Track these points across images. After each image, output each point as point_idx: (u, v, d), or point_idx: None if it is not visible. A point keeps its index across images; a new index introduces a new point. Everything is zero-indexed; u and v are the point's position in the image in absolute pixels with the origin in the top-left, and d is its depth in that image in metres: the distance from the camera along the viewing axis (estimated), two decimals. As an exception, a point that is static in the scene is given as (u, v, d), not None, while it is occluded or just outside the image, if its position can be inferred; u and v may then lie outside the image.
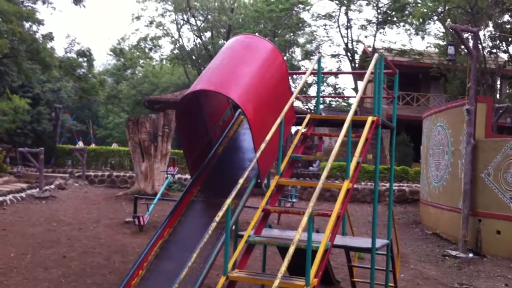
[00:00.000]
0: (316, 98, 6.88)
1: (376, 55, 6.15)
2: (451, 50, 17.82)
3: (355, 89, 33.92)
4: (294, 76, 30.65)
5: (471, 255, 10.98)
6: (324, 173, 4.67)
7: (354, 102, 5.76)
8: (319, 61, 6.78)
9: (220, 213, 4.42)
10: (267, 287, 7.07)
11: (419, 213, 16.14)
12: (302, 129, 6.22)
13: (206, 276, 4.74)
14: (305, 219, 4.18)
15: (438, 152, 13.78)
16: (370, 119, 5.88)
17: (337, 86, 38.76)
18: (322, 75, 6.93)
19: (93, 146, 30.80)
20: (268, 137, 5.25)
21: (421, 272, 9.45)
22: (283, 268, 3.87)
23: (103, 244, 10.23)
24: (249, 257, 5.11)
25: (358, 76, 33.51)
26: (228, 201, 4.51)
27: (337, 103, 39.41)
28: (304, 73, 6.92)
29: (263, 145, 5.18)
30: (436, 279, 9.06)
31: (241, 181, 4.79)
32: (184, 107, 5.94)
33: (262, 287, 7.25)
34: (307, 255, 4.21)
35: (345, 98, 38.18)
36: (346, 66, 36.01)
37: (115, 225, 12.30)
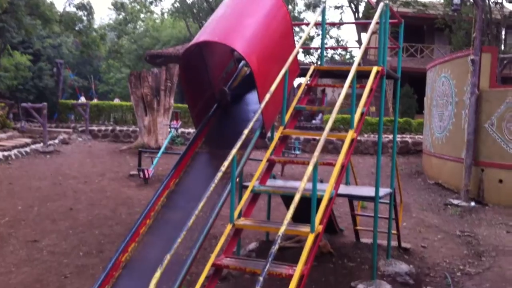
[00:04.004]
0: (320, 50, 6.82)
1: (381, 4, 6.06)
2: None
3: (359, 41, 33.58)
4: (296, 29, 30.30)
5: (473, 203, 11.12)
6: (329, 123, 4.68)
7: (358, 53, 5.71)
8: (323, 12, 6.69)
9: (226, 163, 4.46)
10: (272, 235, 7.24)
11: (421, 164, 16.25)
12: (306, 80, 6.20)
13: (212, 224, 4.81)
14: (310, 168, 4.22)
15: (441, 103, 13.75)
16: (375, 69, 5.85)
17: (339, 39, 38.36)
18: (326, 26, 6.85)
19: (95, 101, 30.76)
20: (272, 88, 5.24)
21: (423, 220, 9.59)
22: (289, 215, 3.94)
23: (109, 196, 10.37)
24: (254, 206, 5.18)
25: (361, 28, 33.15)
26: (234, 151, 4.54)
27: (340, 56, 39.09)
28: (307, 24, 6.85)
29: (267, 96, 5.17)
30: (437, 227, 9.20)
31: (246, 131, 4.80)
32: (188, 59, 5.90)
33: (267, 235, 7.42)
34: (312, 202, 4.27)
35: (349, 50, 37.76)
36: (349, 17, 35.54)
37: (120, 178, 12.43)
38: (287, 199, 6.94)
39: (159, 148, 14.65)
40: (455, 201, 11.22)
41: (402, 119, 22.13)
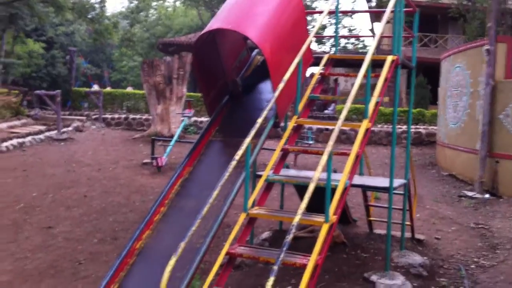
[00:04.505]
0: (334, 39, 6.77)
1: (397, -8, 6.00)
2: (472, -12, 17.33)
3: (372, 31, 33.33)
4: (308, 18, 30.04)
5: (487, 195, 11.03)
6: (343, 113, 4.65)
7: (373, 41, 5.66)
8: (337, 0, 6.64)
9: (240, 152, 4.45)
10: (285, 224, 7.24)
11: (435, 155, 16.14)
12: (320, 69, 6.16)
13: (226, 213, 4.82)
14: (324, 158, 4.20)
15: (456, 93, 13.62)
16: (389, 58, 5.80)
17: (352, 28, 38.05)
18: (339, 14, 6.80)
19: (108, 89, 30.85)
20: (286, 77, 5.21)
21: (437, 212, 9.53)
22: (303, 205, 3.92)
23: (122, 184, 10.42)
24: (268, 195, 5.17)
25: (374, 17, 32.86)
26: (248, 139, 4.53)
27: (353, 45, 38.78)
28: (321, 12, 6.79)
29: (281, 85, 5.15)
30: (452, 218, 9.15)
31: (260, 120, 4.78)
32: (201, 47, 5.88)
33: (280, 224, 7.42)
34: (326, 192, 4.26)
35: (362, 39, 37.47)
36: (362, 6, 35.23)
37: (134, 166, 12.48)
38: (300, 189, 6.93)
39: (171, 137, 14.66)
40: (469, 193, 11.14)
41: (416, 109, 21.96)
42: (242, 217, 4.70)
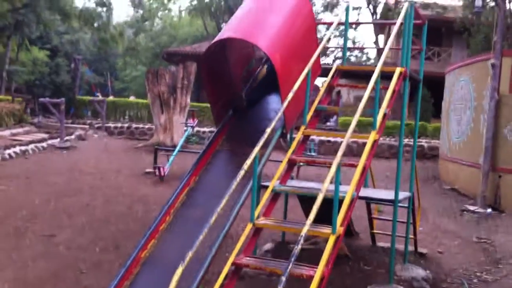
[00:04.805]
0: (342, 50, 6.78)
1: (406, 3, 6.01)
2: (478, 2, 17.40)
3: (376, 43, 33.46)
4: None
5: (489, 210, 10.99)
6: (353, 124, 4.64)
7: (383, 53, 5.65)
8: (347, 10, 6.66)
9: (248, 161, 4.44)
10: (288, 235, 7.21)
11: (437, 169, 16.11)
12: (328, 79, 6.17)
13: (232, 223, 4.80)
14: (333, 169, 4.19)
15: (460, 107, 13.63)
16: (398, 70, 5.81)
17: (355, 40, 38.23)
18: (344, 27, 6.83)
19: (111, 98, 30.89)
20: (295, 87, 5.21)
21: (439, 225, 9.50)
22: (312, 215, 3.90)
23: (125, 193, 10.39)
24: (274, 206, 5.15)
25: (379, 30, 32.99)
26: (257, 149, 4.51)
27: (356, 57, 38.94)
28: (331, 23, 6.80)
29: (290, 95, 5.15)
30: (454, 232, 9.11)
31: (268, 130, 4.78)
32: (210, 56, 5.89)
33: (283, 236, 7.38)
34: (334, 203, 4.24)
35: (365, 51, 37.62)
36: (366, 18, 35.37)
37: (136, 175, 12.46)
38: (304, 200, 6.91)
39: (174, 146, 14.66)
40: (472, 207, 11.11)
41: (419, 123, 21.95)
42: (248, 228, 4.67)
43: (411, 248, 7.25)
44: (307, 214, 7.18)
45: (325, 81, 6.28)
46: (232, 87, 6.31)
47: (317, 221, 4.85)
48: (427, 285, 6.25)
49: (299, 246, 3.71)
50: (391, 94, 5.57)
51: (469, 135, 12.90)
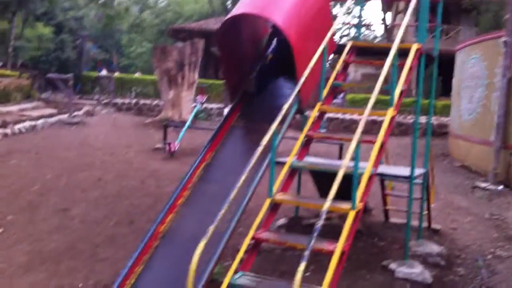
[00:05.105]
0: (357, 25, 6.72)
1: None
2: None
3: (384, 21, 33.19)
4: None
5: (501, 187, 10.97)
6: (371, 101, 4.63)
7: (400, 30, 5.58)
8: (362, -14, 6.58)
9: (267, 137, 4.44)
10: (302, 210, 7.23)
11: (447, 146, 16.06)
12: (344, 56, 6.12)
13: (250, 199, 4.81)
14: (353, 145, 4.19)
15: (471, 85, 13.53)
16: (414, 46, 5.75)
17: (362, 19, 37.85)
18: (355, 4, 6.75)
19: (117, 74, 30.82)
20: (311, 63, 5.18)
21: (452, 202, 9.50)
22: (333, 191, 3.90)
23: (136, 168, 10.42)
24: (291, 182, 5.15)
25: (386, 8, 32.67)
26: (275, 125, 4.51)
27: (363, 36, 38.57)
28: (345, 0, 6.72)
29: (306, 72, 5.12)
30: (466, 209, 9.11)
31: (286, 106, 4.77)
32: (225, 31, 5.84)
33: (296, 211, 7.39)
34: (353, 179, 4.24)
35: (372, 29, 37.28)
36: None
37: (146, 151, 12.48)
38: (317, 175, 6.92)
39: (182, 122, 14.65)
40: (483, 184, 11.09)
41: (427, 100, 21.85)
42: (267, 203, 4.68)
43: (424, 224, 7.26)
44: (319, 190, 7.21)
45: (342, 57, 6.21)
46: (246, 62, 6.28)
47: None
48: (442, 260, 6.27)
49: (322, 221, 3.71)
50: (408, 70, 5.53)
51: (480, 113, 12.83)
